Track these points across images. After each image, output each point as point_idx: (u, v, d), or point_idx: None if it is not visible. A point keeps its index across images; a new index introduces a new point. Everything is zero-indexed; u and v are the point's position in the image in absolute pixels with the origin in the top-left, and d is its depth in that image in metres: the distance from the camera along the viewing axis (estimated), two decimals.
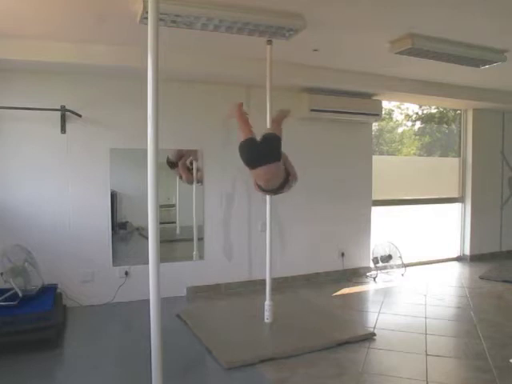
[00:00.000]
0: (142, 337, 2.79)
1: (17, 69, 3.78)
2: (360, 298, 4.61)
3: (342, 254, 5.30)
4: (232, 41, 3.43)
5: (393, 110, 6.79)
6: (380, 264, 5.37)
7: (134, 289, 4.16)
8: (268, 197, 3.57)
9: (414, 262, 5.86)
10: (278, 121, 3.48)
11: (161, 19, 2.65)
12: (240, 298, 4.47)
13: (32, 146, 3.93)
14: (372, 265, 5.41)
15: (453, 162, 6.40)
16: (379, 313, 4.01)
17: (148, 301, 2.38)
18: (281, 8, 2.93)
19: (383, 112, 5.36)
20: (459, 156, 6.38)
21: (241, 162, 4.67)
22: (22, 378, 2.71)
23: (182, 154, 4.62)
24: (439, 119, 6.97)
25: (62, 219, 4.03)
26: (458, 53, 3.69)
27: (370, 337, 3.38)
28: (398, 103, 6.55)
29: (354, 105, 4.94)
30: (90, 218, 4.12)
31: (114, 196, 4.30)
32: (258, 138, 3.20)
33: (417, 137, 7.01)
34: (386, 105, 6.21)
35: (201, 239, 4.66)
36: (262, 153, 3.17)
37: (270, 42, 3.43)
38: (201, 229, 4.66)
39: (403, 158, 6.65)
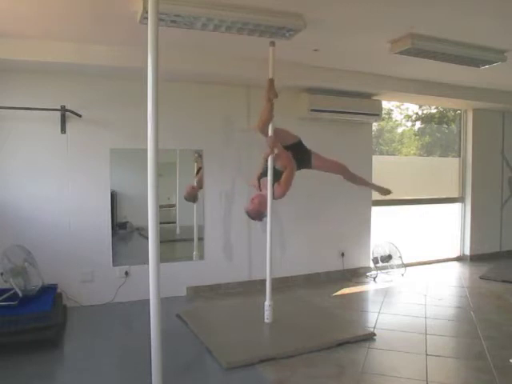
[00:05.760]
0: (142, 337, 2.78)
1: (17, 69, 3.78)
2: (360, 298, 4.61)
3: (342, 254, 5.30)
4: (232, 41, 3.43)
5: (392, 110, 6.79)
6: (380, 264, 5.37)
7: (134, 289, 4.16)
8: (268, 197, 3.56)
9: (414, 262, 5.85)
10: (266, 98, 3.47)
11: (161, 19, 2.65)
12: (240, 297, 4.47)
13: (32, 146, 3.93)
14: (372, 265, 5.41)
15: (453, 162, 6.40)
16: (379, 313, 4.01)
17: (148, 301, 2.38)
18: (281, 8, 2.93)
19: (383, 112, 5.35)
20: (459, 156, 6.38)
21: (241, 162, 4.71)
22: (22, 377, 2.71)
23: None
24: (439, 119, 6.97)
25: (62, 219, 4.03)
26: (458, 53, 3.69)
27: (370, 337, 3.38)
28: (397, 103, 6.55)
29: (354, 105, 4.93)
30: (90, 218, 4.12)
31: (113, 196, 4.30)
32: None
33: (417, 137, 7.01)
34: (386, 105, 6.21)
35: (201, 239, 4.67)
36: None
37: (272, 44, 3.41)
38: (201, 229, 4.66)
39: (403, 157, 6.65)
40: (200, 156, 4.62)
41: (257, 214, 3.54)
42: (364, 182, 4.06)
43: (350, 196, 5.28)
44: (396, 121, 6.99)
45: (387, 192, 3.96)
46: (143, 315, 2.97)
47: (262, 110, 3.44)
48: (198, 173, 4.70)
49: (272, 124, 3.47)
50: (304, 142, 3.66)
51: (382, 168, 5.58)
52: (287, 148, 3.51)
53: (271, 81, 3.44)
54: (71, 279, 4.04)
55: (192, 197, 4.72)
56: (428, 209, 6.27)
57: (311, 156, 3.58)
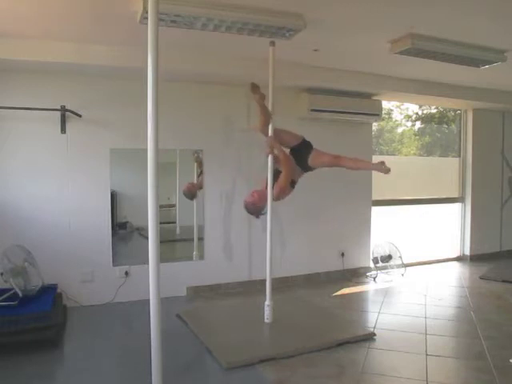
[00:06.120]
0: (142, 337, 2.79)
1: (17, 69, 3.78)
2: (360, 298, 4.61)
3: (342, 254, 5.29)
4: (232, 41, 3.43)
5: (392, 110, 6.79)
6: (380, 264, 5.37)
7: (134, 289, 4.16)
8: (268, 196, 3.54)
9: (414, 262, 5.85)
10: (259, 104, 3.41)
11: (161, 19, 2.66)
12: (240, 297, 4.47)
13: (32, 146, 3.93)
14: (372, 265, 5.41)
15: (453, 162, 6.40)
16: (379, 313, 4.01)
17: (148, 301, 2.39)
18: (281, 8, 2.93)
19: (383, 112, 5.35)
20: (459, 156, 6.38)
21: (241, 162, 4.71)
22: (22, 377, 2.71)
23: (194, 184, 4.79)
24: (439, 119, 6.97)
25: (62, 219, 4.03)
26: (458, 53, 3.69)
27: (370, 337, 3.38)
28: (397, 103, 6.55)
29: (354, 105, 4.93)
30: (90, 218, 4.12)
31: (113, 196, 4.30)
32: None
33: (417, 137, 7.01)
34: (386, 105, 6.21)
35: (201, 239, 4.67)
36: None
37: (272, 44, 3.41)
38: (201, 229, 4.66)
39: (403, 157, 6.65)
40: (200, 158, 4.62)
41: (254, 209, 3.47)
42: (365, 165, 3.75)
43: (350, 196, 5.28)
44: (396, 121, 6.99)
45: (386, 169, 3.28)
46: (143, 315, 2.98)
47: (259, 113, 3.42)
48: (199, 175, 4.70)
49: (272, 124, 3.47)
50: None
51: None
52: (293, 150, 3.49)
53: (253, 85, 3.37)
54: (71, 279, 4.04)
55: (190, 194, 4.73)
56: (428, 209, 6.27)
57: (308, 156, 3.45)
